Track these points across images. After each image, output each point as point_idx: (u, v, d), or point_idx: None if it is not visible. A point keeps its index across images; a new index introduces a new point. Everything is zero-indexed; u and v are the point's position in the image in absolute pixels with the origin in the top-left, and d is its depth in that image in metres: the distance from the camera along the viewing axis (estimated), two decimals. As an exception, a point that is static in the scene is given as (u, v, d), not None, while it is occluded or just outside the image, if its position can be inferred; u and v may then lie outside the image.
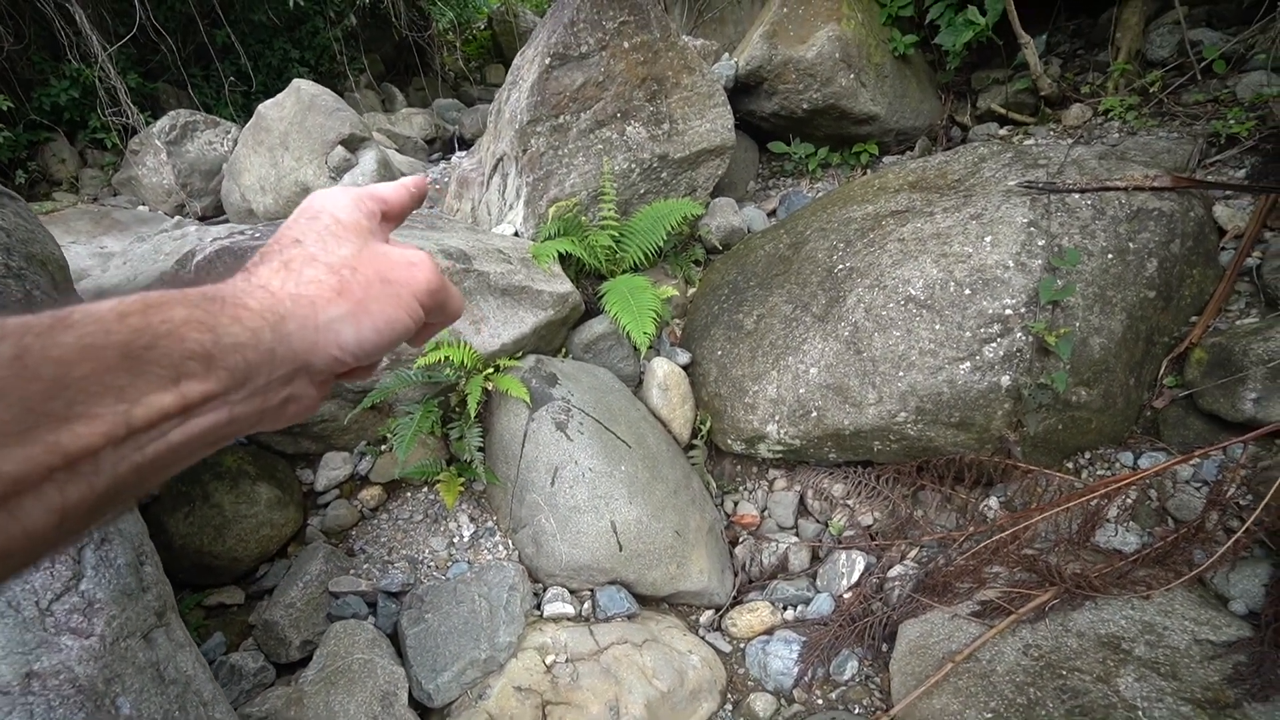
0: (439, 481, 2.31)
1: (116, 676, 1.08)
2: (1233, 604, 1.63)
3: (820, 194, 3.39)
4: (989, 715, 1.61)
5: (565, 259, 2.83)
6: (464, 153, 5.93)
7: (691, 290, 3.02)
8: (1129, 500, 1.92)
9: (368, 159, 4.80)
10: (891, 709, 1.76)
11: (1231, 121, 2.46)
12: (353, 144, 4.83)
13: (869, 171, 3.42)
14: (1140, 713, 1.47)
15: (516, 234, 3.00)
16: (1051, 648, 1.67)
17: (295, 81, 4.55)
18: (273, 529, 2.17)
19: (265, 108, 4.53)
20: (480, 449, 2.24)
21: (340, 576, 2.12)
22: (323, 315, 0.37)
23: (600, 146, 2.93)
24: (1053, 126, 3.12)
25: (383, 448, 2.44)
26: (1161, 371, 2.12)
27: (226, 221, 4.61)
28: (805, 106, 3.35)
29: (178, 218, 4.76)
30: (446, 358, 2.20)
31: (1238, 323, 2.05)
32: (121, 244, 4.24)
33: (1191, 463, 1.91)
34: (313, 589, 2.06)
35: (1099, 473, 2.07)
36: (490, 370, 2.30)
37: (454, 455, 2.40)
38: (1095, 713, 1.51)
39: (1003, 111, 3.30)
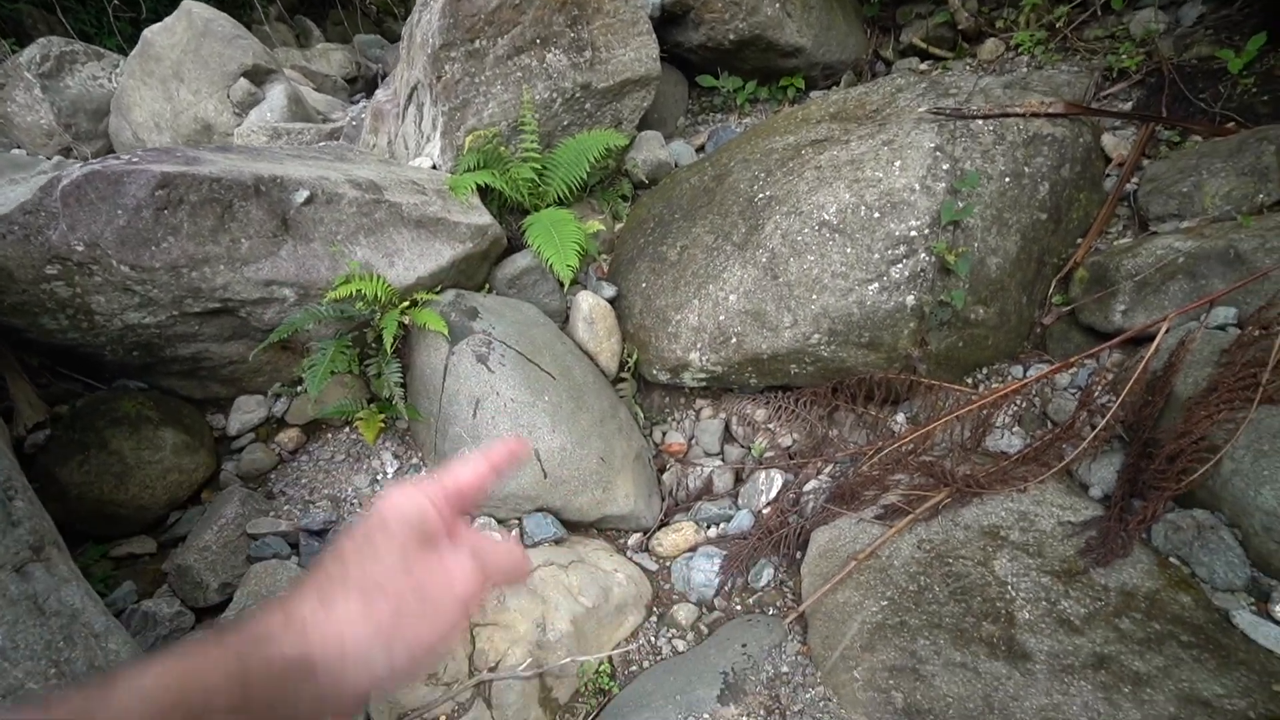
0: (359, 420, 2.26)
1: (-13, 607, 1.04)
2: (1092, 490, 1.82)
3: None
4: (885, 602, 1.75)
5: (486, 193, 2.74)
6: (383, 89, 5.55)
7: (619, 225, 3.00)
8: (1015, 408, 2.09)
9: (276, 93, 4.45)
10: (800, 606, 1.89)
11: (1123, 56, 2.58)
12: (258, 76, 4.46)
13: (796, 105, 3.43)
14: (1009, 587, 1.64)
15: (434, 167, 2.87)
16: (941, 540, 1.82)
17: (185, 3, 4.12)
18: (181, 474, 2.08)
19: (152, 33, 4.10)
20: (400, 385, 2.20)
21: (259, 519, 2.07)
22: (351, 652, 0.38)
23: (519, 74, 2.81)
24: (969, 61, 3.19)
25: (298, 389, 2.36)
26: (1050, 290, 2.27)
27: (116, 162, 4.22)
28: (732, 37, 3.30)
29: (58, 158, 4.32)
30: (359, 291, 2.13)
31: (1115, 243, 2.21)
32: (-6, 188, 3.82)
33: (1070, 371, 2.08)
34: (229, 532, 2.01)
35: (993, 385, 2.23)
36: (407, 304, 2.24)
37: (374, 393, 2.35)
38: (974, 591, 1.67)
39: (924, 46, 3.36)
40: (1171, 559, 1.63)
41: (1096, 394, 1.89)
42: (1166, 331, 1.84)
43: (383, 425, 2.27)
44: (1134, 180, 2.28)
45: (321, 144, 3.35)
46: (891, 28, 3.59)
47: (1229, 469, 1.58)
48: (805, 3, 3.33)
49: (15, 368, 2.02)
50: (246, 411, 2.31)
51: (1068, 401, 2.02)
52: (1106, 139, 2.39)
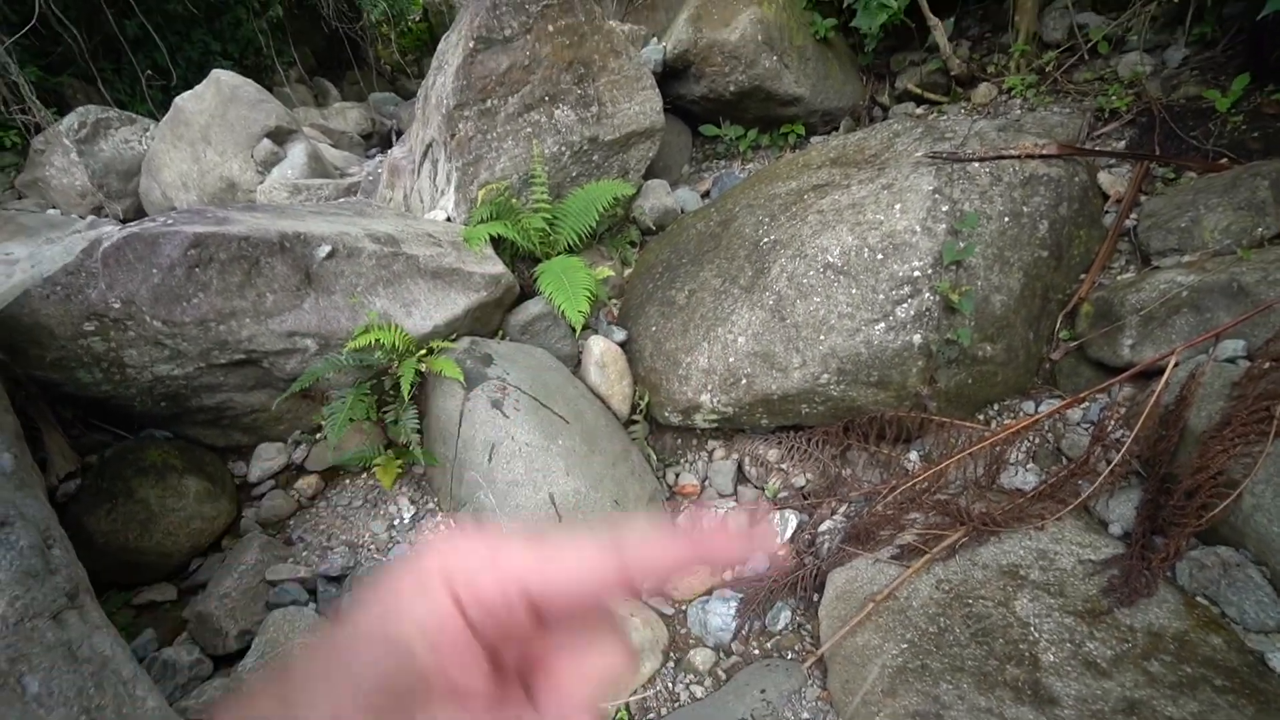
0: (377, 466, 2.30)
1: (22, 656, 1.06)
2: (1111, 526, 1.80)
3: (751, 174, 3.50)
4: (905, 645, 1.73)
5: (499, 243, 2.84)
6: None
7: (628, 271, 3.08)
8: (1028, 444, 2.08)
9: (297, 152, 4.67)
10: (819, 649, 1.86)
11: (1113, 97, 2.67)
12: (280, 137, 4.69)
13: (797, 151, 3.54)
14: (1032, 628, 1.61)
15: (449, 219, 2.99)
16: (960, 580, 1.80)
17: (214, 72, 4.38)
18: (204, 522, 2.12)
19: (183, 100, 4.35)
20: (417, 431, 2.24)
21: (278, 565, 2.10)
22: None
23: (529, 130, 2.95)
24: (963, 104, 3.30)
25: (318, 436, 2.41)
26: (1057, 325, 2.29)
27: (147, 219, 4.41)
28: (732, 89, 3.45)
29: (92, 218, 4.52)
30: (377, 340, 2.20)
31: (1118, 277, 2.24)
32: (28, 249, 4.01)
33: (1081, 406, 2.08)
34: (249, 579, 2.03)
35: (1005, 421, 2.23)
36: (424, 352, 2.30)
37: (391, 440, 2.39)
38: (995, 632, 1.65)
39: (919, 91, 3.48)
40: (1199, 598, 1.60)
41: (1110, 429, 1.89)
42: (1175, 365, 1.85)
43: (400, 471, 2.31)
44: (1133, 216, 2.32)
45: (341, 200, 3.50)
46: (886, 74, 3.73)
47: (1250, 504, 1.57)
48: (801, 54, 3.48)
49: (50, 420, 2.09)
50: (267, 459, 2.36)
51: (1081, 437, 2.02)
52: (1103, 177, 2.45)
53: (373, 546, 2.20)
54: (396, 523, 2.27)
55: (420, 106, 3.46)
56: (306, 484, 2.36)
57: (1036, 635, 1.62)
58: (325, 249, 2.22)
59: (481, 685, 0.28)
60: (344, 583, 2.06)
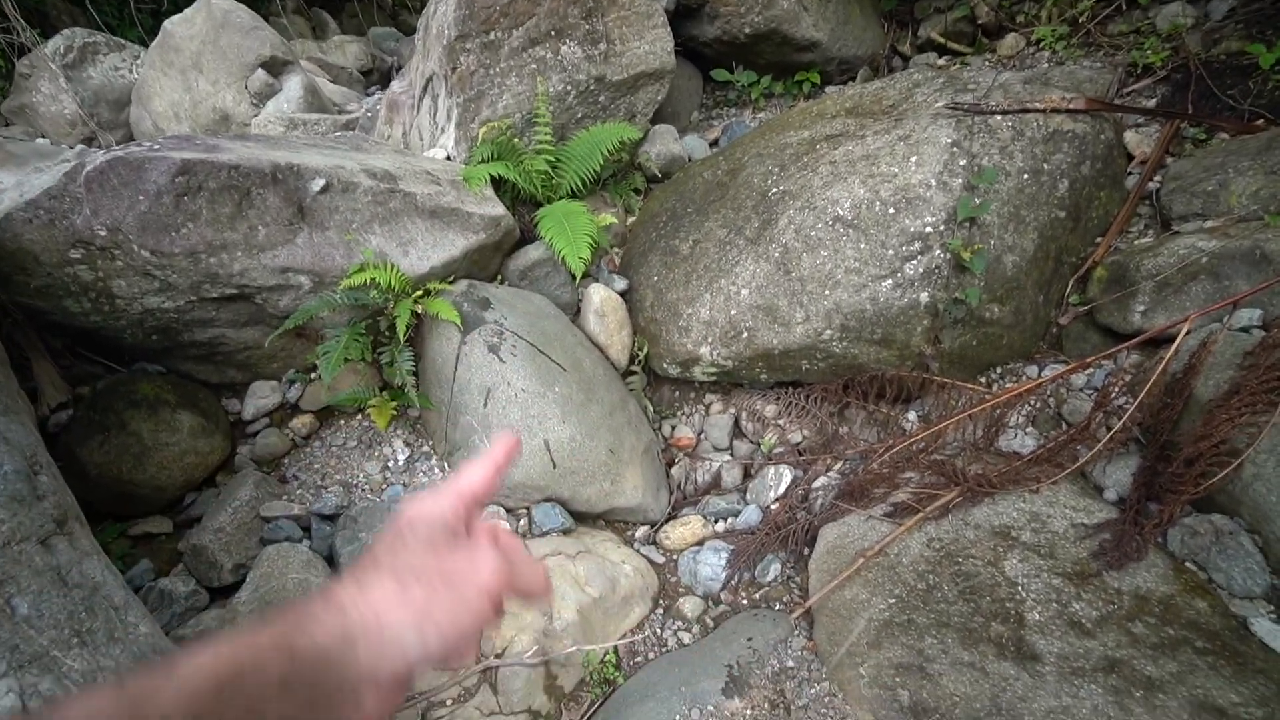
0: (371, 407, 2.28)
1: (10, 578, 1.06)
2: (1106, 492, 1.79)
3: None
4: (892, 600, 1.74)
5: (500, 185, 2.75)
6: (399, 81, 5.58)
7: (631, 219, 3.00)
8: (1029, 408, 2.06)
9: (293, 84, 4.49)
10: (807, 601, 1.89)
11: (1149, 51, 2.53)
12: (275, 67, 4.50)
13: (811, 100, 3.40)
14: (1019, 588, 1.62)
15: (448, 158, 2.89)
16: (951, 539, 1.81)
17: (205, -6, 4.17)
18: (197, 457, 2.11)
19: (172, 24, 4.15)
20: (412, 373, 2.22)
21: (272, 501, 2.10)
22: (387, 629, 0.40)
23: (534, 66, 2.82)
24: (988, 56, 3.15)
25: (313, 375, 2.38)
26: (1067, 289, 2.24)
27: (138, 150, 4.28)
28: (748, 31, 3.28)
29: (81, 147, 4.39)
30: (373, 279, 2.14)
31: (1135, 242, 2.17)
32: (16, 178, 3.89)
33: (1086, 372, 2.05)
34: (243, 514, 2.04)
35: (1007, 385, 2.20)
36: (420, 294, 2.25)
37: (387, 381, 2.37)
38: (983, 591, 1.66)
39: (942, 41, 3.31)
40: (1188, 564, 1.61)
41: (1113, 395, 1.86)
42: (1188, 333, 1.81)
43: (394, 413, 2.29)
44: (1156, 179, 2.23)
45: (338, 134, 3.38)
46: (909, 22, 3.55)
47: (1250, 474, 1.55)
48: (824, -4, 3.30)
49: (40, 349, 2.06)
50: (261, 397, 2.34)
51: (1083, 402, 1.99)
52: (1129, 136, 2.35)
53: (367, 487, 2.21)
54: (391, 464, 2.27)
55: (420, 37, 3.30)
56: (301, 423, 2.35)
57: (1023, 595, 1.63)
58: (319, 182, 2.15)
59: (461, 529, 0.46)
60: (338, 521, 2.07)
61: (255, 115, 4.31)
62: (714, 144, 3.39)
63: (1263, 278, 1.74)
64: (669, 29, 3.03)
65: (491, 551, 0.44)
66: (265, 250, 2.05)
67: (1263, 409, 1.54)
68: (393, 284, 2.18)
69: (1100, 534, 1.65)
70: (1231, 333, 1.75)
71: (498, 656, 1.85)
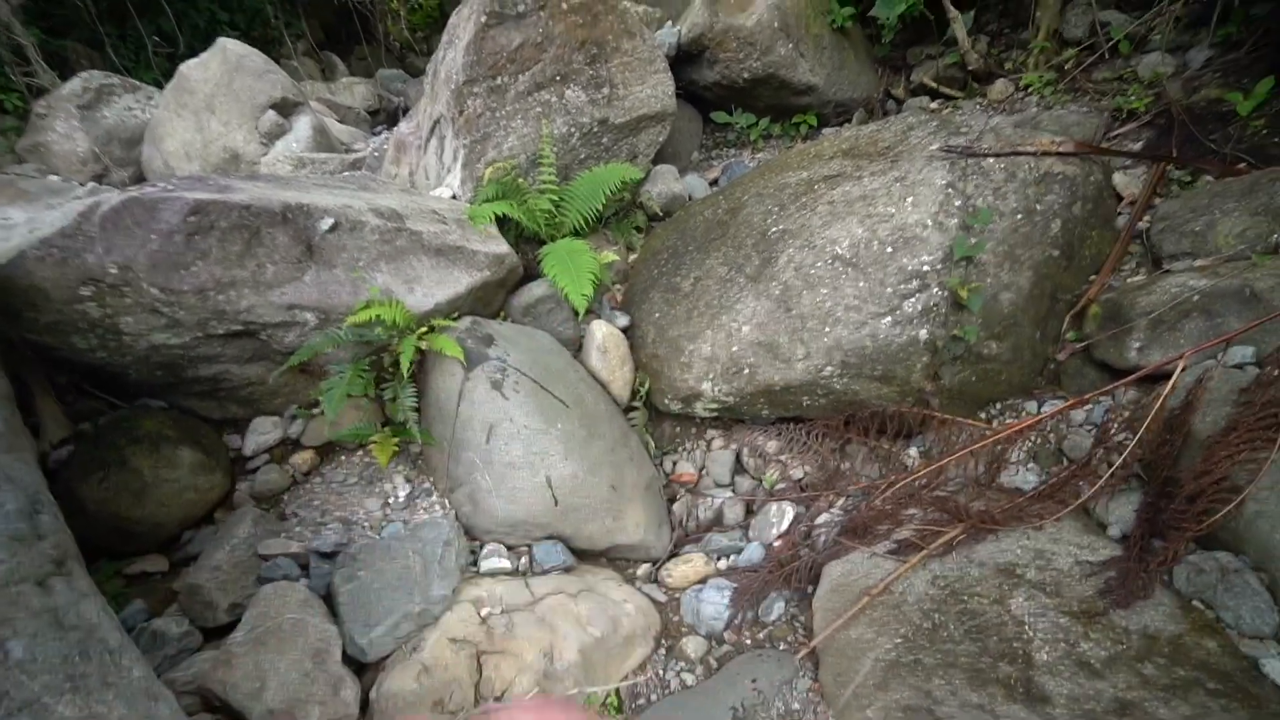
0: (373, 443, 2.28)
1: (6, 621, 1.05)
2: (1110, 529, 1.79)
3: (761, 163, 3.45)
4: (899, 640, 1.72)
5: (504, 223, 2.81)
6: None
7: (633, 256, 3.05)
8: (1030, 444, 2.07)
9: (302, 125, 4.61)
10: (812, 641, 1.86)
11: (1132, 98, 2.63)
12: (285, 109, 4.63)
13: (808, 141, 3.50)
14: (1027, 627, 1.60)
15: (454, 197, 2.95)
16: (956, 577, 1.80)
17: (220, 40, 4.32)
18: (197, 494, 2.10)
19: (188, 68, 4.29)
20: (414, 409, 2.22)
21: (270, 539, 2.08)
22: None
23: (539, 109, 2.91)
24: (979, 100, 3.26)
25: (314, 411, 2.39)
26: (1064, 326, 2.27)
27: (148, 188, 4.36)
28: (746, 76, 3.40)
29: (93, 184, 4.48)
30: (378, 316, 2.17)
31: (1128, 280, 2.21)
32: (27, 214, 3.96)
33: (1085, 408, 2.06)
34: (240, 552, 2.02)
35: (1007, 420, 2.21)
36: (424, 330, 2.28)
37: (389, 417, 2.37)
38: (990, 630, 1.64)
39: (934, 85, 3.43)
40: (1195, 602, 1.60)
41: (1113, 431, 1.88)
42: (1183, 370, 1.83)
43: (396, 449, 2.29)
44: (1146, 218, 2.29)
45: (345, 174, 3.46)
46: (902, 67, 3.68)
47: (1252, 510, 1.55)
48: (818, 42, 3.43)
49: (44, 385, 2.07)
50: (263, 433, 2.34)
51: (1083, 438, 2.00)
52: (1118, 178, 2.42)
53: (366, 524, 2.19)
54: (391, 501, 2.26)
55: (429, 82, 3.41)
56: (302, 459, 2.35)
57: (1031, 634, 1.61)
58: (328, 221, 2.19)
59: None
60: (336, 559, 2.05)
61: (265, 154, 4.42)
62: (714, 183, 3.47)
63: (1254, 315, 1.78)
64: (670, 74, 3.14)
65: None
66: (273, 288, 2.08)
67: (1261, 445, 1.55)
68: (398, 321, 2.20)
69: (1105, 571, 1.64)
70: (1226, 370, 1.77)
71: (497, 699, 1.81)
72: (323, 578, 2.03)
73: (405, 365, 2.17)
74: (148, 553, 2.08)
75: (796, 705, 1.72)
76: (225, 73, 4.23)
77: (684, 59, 3.56)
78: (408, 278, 2.34)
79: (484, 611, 1.94)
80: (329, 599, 1.99)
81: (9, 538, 1.12)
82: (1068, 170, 2.25)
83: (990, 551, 1.83)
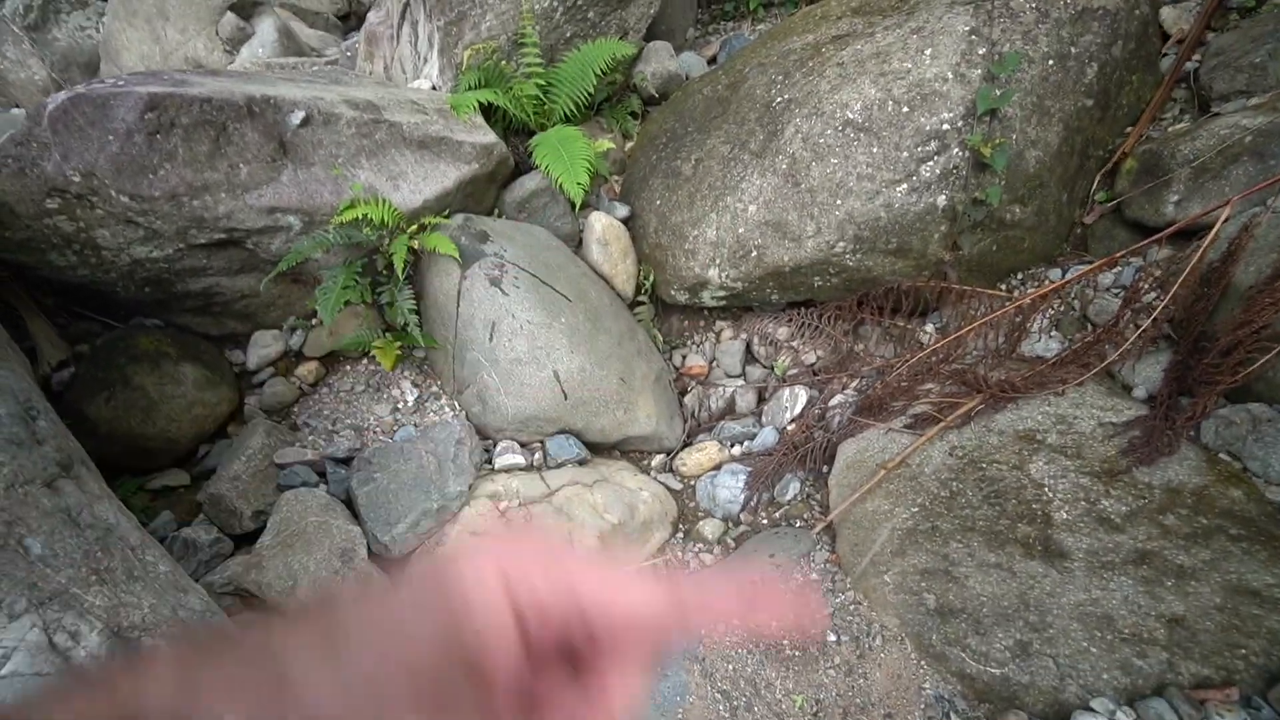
0: (376, 349, 2.24)
1: (19, 520, 1.04)
2: (1135, 390, 1.74)
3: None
4: (915, 509, 1.72)
5: (490, 113, 2.61)
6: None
7: (629, 144, 2.86)
8: (1053, 311, 1.98)
9: (265, 27, 4.28)
10: (829, 516, 1.87)
11: (1186, -84, 2.30)
12: (245, 10, 4.28)
13: (814, 4, 3.17)
14: (1046, 489, 1.59)
15: (434, 88, 2.74)
16: (975, 446, 1.77)
17: (162, -68, 3.91)
18: (205, 408, 2.09)
19: (131, -33, 3.92)
20: (414, 312, 2.16)
21: (285, 449, 2.09)
22: None
23: (517, -19, 2.62)
24: (1005, -58, 2.89)
25: (313, 321, 2.33)
26: (1094, 186, 2.12)
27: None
28: (743, -70, 3.03)
29: (55, 107, 4.22)
30: (365, 215, 2.06)
31: (1170, 129, 2.03)
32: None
33: (1114, 270, 1.95)
34: (257, 462, 2.03)
35: (1029, 291, 2.11)
36: (415, 229, 2.17)
37: (389, 323, 2.32)
38: (1009, 494, 1.63)
39: (955, -71, 3.04)
40: (1222, 455, 1.56)
41: (1143, 291, 1.78)
42: (1227, 219, 1.70)
43: (399, 354, 2.25)
44: (1196, 57, 2.07)
45: (315, 68, 3.21)
46: (920, -89, 3.26)
47: (1290, 357, 1.49)
48: (824, -115, 3.03)
49: (32, 307, 2.01)
50: (264, 346, 2.30)
51: (1110, 302, 1.91)
52: (1165, 12, 2.17)
53: (378, 429, 2.19)
54: (400, 406, 2.25)
55: (392, -40, 3.08)
56: (307, 370, 2.32)
57: (1050, 495, 1.60)
58: (299, 115, 2.04)
59: (518, 690, 0.28)
60: (352, 464, 2.06)
61: (230, 63, 4.12)
62: (712, 61, 3.19)
63: (1311, 151, 1.62)
64: (658, -68, 2.80)
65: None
66: (249, 190, 1.96)
67: (1308, 288, 1.45)
68: (386, 219, 2.09)
69: (1130, 431, 1.61)
70: (1277, 214, 1.64)
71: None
72: (340, 482, 2.05)
73: (399, 266, 2.09)
74: (168, 467, 2.11)
75: (815, 575, 1.75)
76: (172, -30, 3.87)
77: (674, -85, 3.17)
78: (391, 174, 2.20)
79: (502, 505, 1.97)
80: (349, 502, 2.02)
81: (5, 440, 1.10)
82: (1109, 5, 2.01)
83: (1010, 420, 1.79)
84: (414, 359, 2.35)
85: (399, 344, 2.23)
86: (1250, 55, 1.84)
